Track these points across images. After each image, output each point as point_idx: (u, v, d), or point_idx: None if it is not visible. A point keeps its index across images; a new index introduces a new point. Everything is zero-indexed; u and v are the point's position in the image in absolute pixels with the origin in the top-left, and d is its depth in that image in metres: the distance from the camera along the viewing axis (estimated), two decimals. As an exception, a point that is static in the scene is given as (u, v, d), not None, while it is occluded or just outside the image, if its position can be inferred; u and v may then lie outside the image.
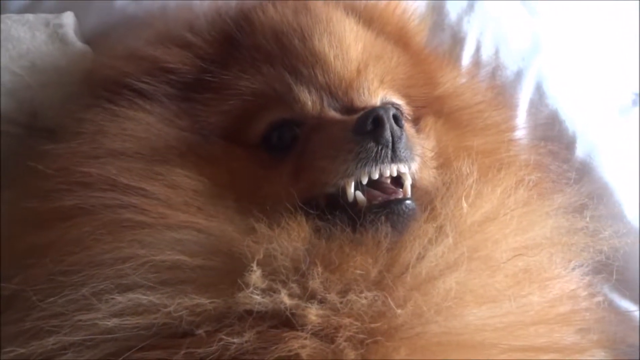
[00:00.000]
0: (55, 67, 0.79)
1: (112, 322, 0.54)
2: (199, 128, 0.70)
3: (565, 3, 1.11)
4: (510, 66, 0.99)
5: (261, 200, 0.64)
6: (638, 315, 0.85)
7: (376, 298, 0.55)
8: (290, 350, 0.52)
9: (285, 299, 0.54)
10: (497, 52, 1.00)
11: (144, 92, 0.71)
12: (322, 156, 0.64)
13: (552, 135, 0.93)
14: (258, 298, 0.54)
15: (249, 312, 0.54)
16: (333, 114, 0.69)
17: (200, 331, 0.54)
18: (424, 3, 1.01)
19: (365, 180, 0.62)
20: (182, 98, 0.72)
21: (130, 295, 0.55)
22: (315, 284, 0.55)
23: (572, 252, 0.68)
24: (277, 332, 0.53)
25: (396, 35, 0.83)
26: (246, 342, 0.53)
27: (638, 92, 1.21)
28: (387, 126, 0.61)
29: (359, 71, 0.72)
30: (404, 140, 0.62)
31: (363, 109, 0.68)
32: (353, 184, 0.62)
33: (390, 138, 0.61)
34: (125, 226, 0.60)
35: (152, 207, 0.61)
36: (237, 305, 0.54)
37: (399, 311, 0.54)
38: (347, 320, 0.54)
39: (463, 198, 0.64)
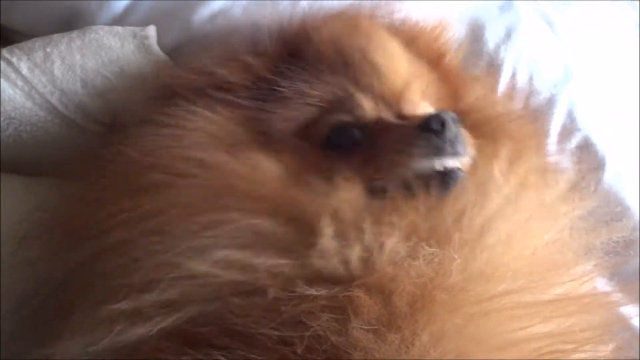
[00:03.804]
0: (140, 74, 0.87)
1: (206, 268, 0.59)
2: (264, 131, 0.76)
3: (594, 36, 1.19)
4: (544, 92, 1.05)
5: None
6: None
7: (435, 254, 0.61)
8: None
9: (354, 256, 0.60)
10: (531, 79, 1.06)
11: (214, 98, 0.78)
12: (391, 150, 0.72)
13: (585, 158, 0.99)
14: (329, 253, 0.60)
15: (319, 275, 0.59)
16: (392, 118, 0.77)
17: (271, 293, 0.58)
18: (463, 30, 1.09)
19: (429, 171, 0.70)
20: (248, 105, 0.79)
21: (222, 252, 0.61)
22: (373, 239, 0.61)
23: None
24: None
25: (430, 56, 0.90)
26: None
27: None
28: (451, 127, 0.71)
29: (406, 84, 0.81)
30: (459, 139, 0.72)
31: (411, 116, 0.77)
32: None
33: (452, 136, 0.71)
34: (216, 192, 0.66)
35: (236, 182, 0.67)
36: (310, 267, 0.60)
37: (457, 260, 0.60)
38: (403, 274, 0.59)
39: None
